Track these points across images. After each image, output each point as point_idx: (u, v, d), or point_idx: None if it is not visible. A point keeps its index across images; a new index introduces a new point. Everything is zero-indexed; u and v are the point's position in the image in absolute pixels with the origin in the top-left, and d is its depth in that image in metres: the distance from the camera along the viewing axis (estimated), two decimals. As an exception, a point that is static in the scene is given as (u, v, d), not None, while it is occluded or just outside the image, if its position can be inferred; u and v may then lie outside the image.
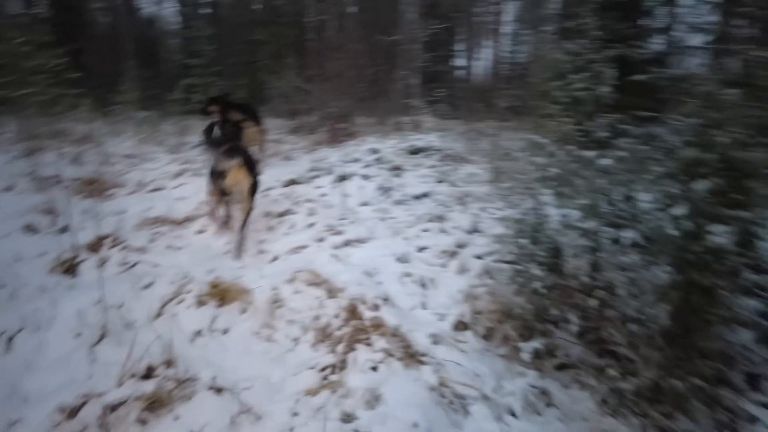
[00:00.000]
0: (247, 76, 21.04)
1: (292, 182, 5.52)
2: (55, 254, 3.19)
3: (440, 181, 5.49)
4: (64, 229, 3.72)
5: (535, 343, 2.68)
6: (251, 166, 3.76)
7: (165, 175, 5.12)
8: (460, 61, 31.35)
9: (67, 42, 9.35)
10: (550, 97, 4.80)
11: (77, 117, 7.78)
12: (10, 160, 5.26)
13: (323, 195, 5.12)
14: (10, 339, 2.39)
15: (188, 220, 4.14)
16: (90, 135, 8.37)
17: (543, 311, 2.87)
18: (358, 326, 2.58)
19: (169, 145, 6.61)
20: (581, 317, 2.76)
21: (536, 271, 2.88)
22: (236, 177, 3.63)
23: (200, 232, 3.99)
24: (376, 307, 2.76)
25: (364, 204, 4.86)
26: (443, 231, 4.06)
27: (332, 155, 6.78)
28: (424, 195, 4.93)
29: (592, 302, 2.71)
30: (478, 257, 3.63)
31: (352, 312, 2.65)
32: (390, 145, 6.64)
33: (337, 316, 2.66)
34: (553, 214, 3.09)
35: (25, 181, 4.56)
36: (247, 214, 3.75)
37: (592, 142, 3.29)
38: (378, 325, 2.59)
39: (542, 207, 3.07)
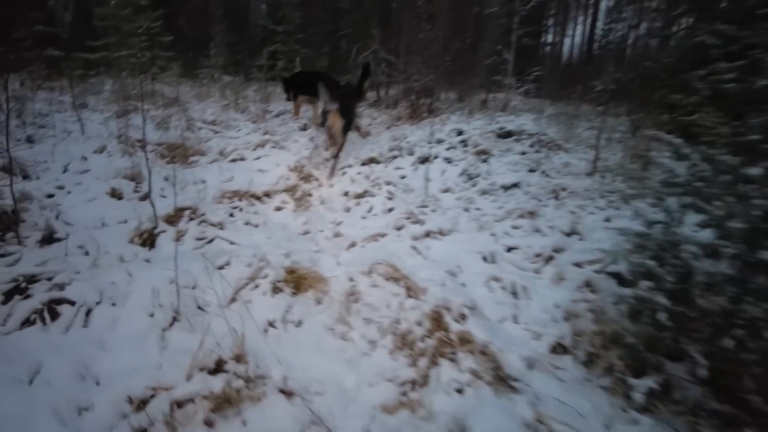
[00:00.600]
0: (330, 44, 20.97)
1: (371, 161, 5.28)
2: (135, 223, 3.16)
3: (532, 170, 5.02)
4: (145, 197, 3.72)
5: (649, 381, 2.27)
6: (344, 113, 5.14)
7: (246, 145, 5.05)
8: (550, 37, 29.56)
9: (161, 5, 9.59)
10: (679, 87, 4.18)
11: (167, 80, 7.97)
12: (105, 120, 5.41)
13: (403, 177, 4.84)
14: (88, 312, 2.34)
15: (267, 195, 4.02)
16: (177, 98, 8.60)
17: (658, 342, 2.45)
18: (442, 338, 2.30)
19: (251, 113, 6.57)
20: (709, 356, 2.31)
21: (653, 292, 2.45)
22: (333, 120, 5.10)
23: (278, 209, 3.87)
24: (462, 317, 2.46)
25: (447, 191, 4.53)
26: (536, 230, 3.65)
27: (413, 133, 6.45)
28: (514, 185, 4.51)
29: (727, 342, 2.25)
30: (578, 265, 3.20)
31: (437, 322, 2.37)
32: (476, 126, 6.20)
33: (419, 324, 2.39)
34: (679, 226, 2.62)
35: (114, 144, 4.64)
36: (340, 147, 5.21)
37: (737, 144, 2.72)
38: (465, 340, 2.29)
39: (662, 215, 2.61)
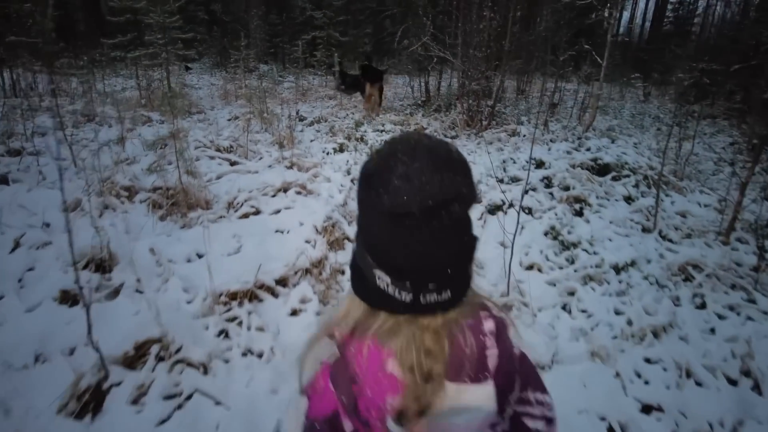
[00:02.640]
0: (374, 25, 19.56)
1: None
2: (82, 358, 2.10)
3: (646, 230, 3.67)
4: (115, 293, 2.67)
5: None
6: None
7: (265, 188, 3.91)
8: (605, 11, 26.72)
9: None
10: None
11: (191, 76, 6.94)
12: (96, 151, 4.41)
13: (469, 238, 3.59)
14: None
15: (282, 283, 2.89)
16: (196, 103, 7.57)
17: None
18: None
19: (277, 132, 5.42)
20: None
21: None
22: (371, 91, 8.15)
23: (295, 313, 2.71)
24: None
25: (532, 267, 3.27)
26: (684, 371, 2.35)
27: (475, 155, 5.15)
28: (630, 265, 3.19)
29: None
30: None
31: None
32: (560, 154, 4.83)
33: None
34: None
35: (96, 193, 3.63)
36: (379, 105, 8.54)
37: None
38: None
39: None
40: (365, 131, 6.51)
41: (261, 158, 4.74)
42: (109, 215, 3.49)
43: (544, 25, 10.61)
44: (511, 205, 3.93)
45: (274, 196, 3.89)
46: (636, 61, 20.89)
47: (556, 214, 3.77)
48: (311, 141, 5.92)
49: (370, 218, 0.57)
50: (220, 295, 2.60)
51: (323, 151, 5.35)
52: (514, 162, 4.66)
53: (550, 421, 0.75)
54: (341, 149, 5.45)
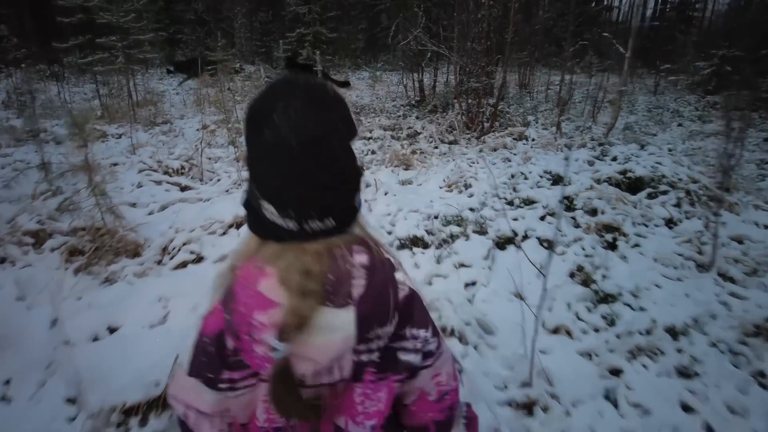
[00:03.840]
0: (368, 20, 18.75)
1: (415, 242, 3.22)
2: None
3: (701, 268, 2.84)
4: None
5: None
6: None
7: (212, 224, 3.11)
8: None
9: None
10: None
11: (172, 79, 6.16)
12: (8, 181, 3.62)
13: (471, 285, 2.78)
14: None
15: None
16: (164, 112, 6.80)
17: None
18: None
19: (243, 145, 4.61)
20: None
21: None
22: None
23: None
24: None
25: (558, 330, 2.45)
26: None
27: (477, 167, 4.33)
28: (692, 324, 2.37)
29: None
30: None
31: None
32: (581, 165, 4.00)
33: None
34: None
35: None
36: None
37: None
38: None
39: None
40: (350, 139, 5.72)
41: (219, 180, 3.93)
42: (4, 272, 2.69)
43: (547, 15, 9.77)
44: (525, 237, 3.11)
45: (223, 234, 3.08)
46: (641, 49, 19.97)
47: (583, 249, 2.96)
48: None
49: (255, 153, 0.58)
50: (113, 410, 1.79)
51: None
52: (526, 178, 3.83)
53: (427, 354, 0.73)
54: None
